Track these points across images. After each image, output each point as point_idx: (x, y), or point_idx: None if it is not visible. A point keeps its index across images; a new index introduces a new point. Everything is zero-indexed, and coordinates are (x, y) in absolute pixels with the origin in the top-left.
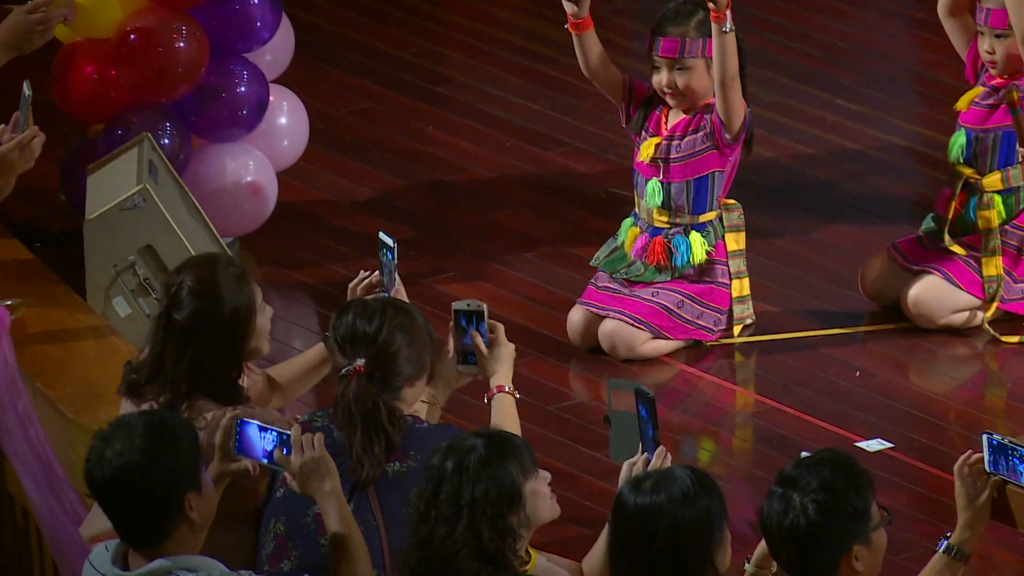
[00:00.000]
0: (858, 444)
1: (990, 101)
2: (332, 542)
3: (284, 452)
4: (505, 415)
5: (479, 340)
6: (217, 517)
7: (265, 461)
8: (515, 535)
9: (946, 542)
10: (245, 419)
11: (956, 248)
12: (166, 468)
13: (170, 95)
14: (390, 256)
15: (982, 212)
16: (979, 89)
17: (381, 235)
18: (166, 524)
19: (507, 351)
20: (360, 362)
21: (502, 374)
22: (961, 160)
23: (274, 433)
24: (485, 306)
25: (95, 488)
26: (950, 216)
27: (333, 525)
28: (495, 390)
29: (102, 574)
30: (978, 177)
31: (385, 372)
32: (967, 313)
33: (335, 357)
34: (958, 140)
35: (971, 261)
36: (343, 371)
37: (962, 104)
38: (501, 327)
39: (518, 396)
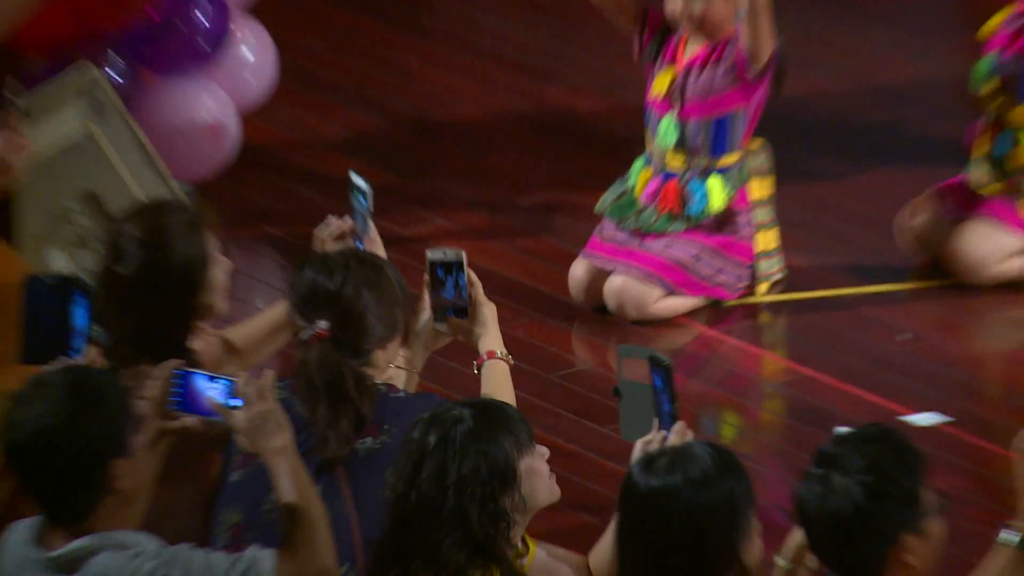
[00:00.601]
0: (905, 418)
1: (1019, 25)
2: (284, 511)
3: (230, 404)
4: (498, 384)
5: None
6: (161, 506)
7: (211, 416)
8: (509, 520)
9: (1010, 532)
10: (187, 369)
11: (992, 188)
12: (89, 431)
13: (118, 22)
14: (363, 201)
15: (1012, 150)
16: (1007, 11)
17: (352, 176)
18: (91, 495)
19: (490, 311)
20: (322, 324)
21: (490, 337)
22: (986, 90)
23: (224, 382)
24: (464, 254)
25: (12, 455)
26: (980, 153)
27: (284, 488)
28: (485, 356)
29: (23, 556)
30: (1004, 111)
31: (352, 334)
32: (1021, 261)
33: (294, 319)
34: (983, 67)
35: (1012, 201)
36: (303, 335)
37: (987, 30)
38: (480, 283)
39: (512, 362)
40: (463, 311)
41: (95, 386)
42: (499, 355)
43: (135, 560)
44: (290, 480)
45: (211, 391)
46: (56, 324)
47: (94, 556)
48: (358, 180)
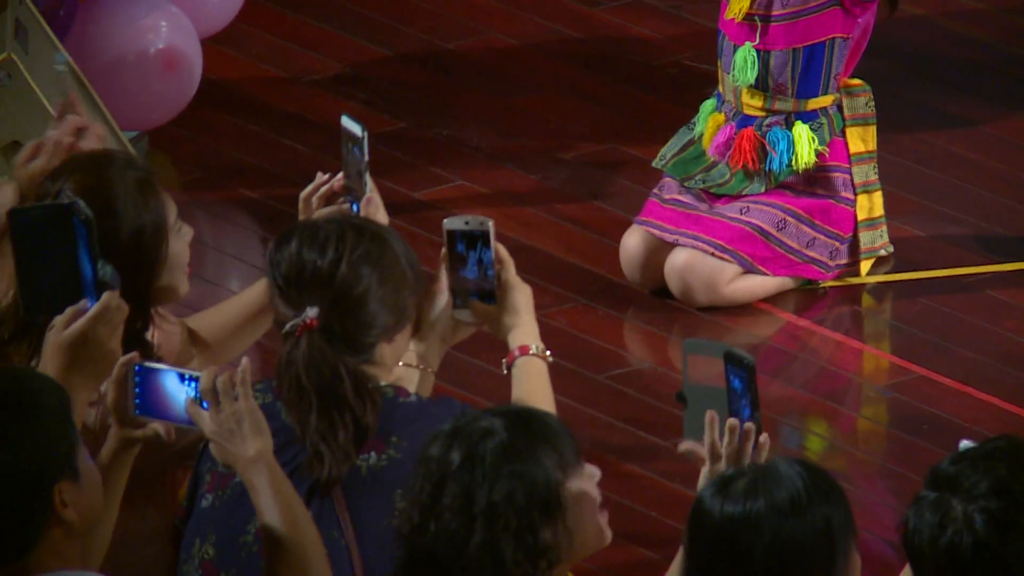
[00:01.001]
0: None
1: None
2: (265, 536)
3: (204, 406)
4: (533, 387)
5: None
6: (119, 534)
7: (183, 422)
8: (551, 557)
9: None
10: (151, 364)
11: None
12: (25, 448)
13: None
14: (358, 153)
15: None
16: None
17: (345, 121)
18: (30, 528)
19: (523, 295)
20: (312, 312)
21: (523, 329)
22: None
23: (195, 381)
24: (492, 224)
25: None
26: None
27: (264, 507)
28: (517, 352)
29: None
30: None
31: (349, 324)
32: None
33: (276, 306)
34: None
35: None
36: (288, 326)
37: None
38: (511, 261)
39: (551, 359)
40: (490, 295)
41: (29, 390)
42: (534, 351)
43: None
44: (271, 497)
45: (183, 391)
46: (57, 264)
47: None
48: (351, 125)
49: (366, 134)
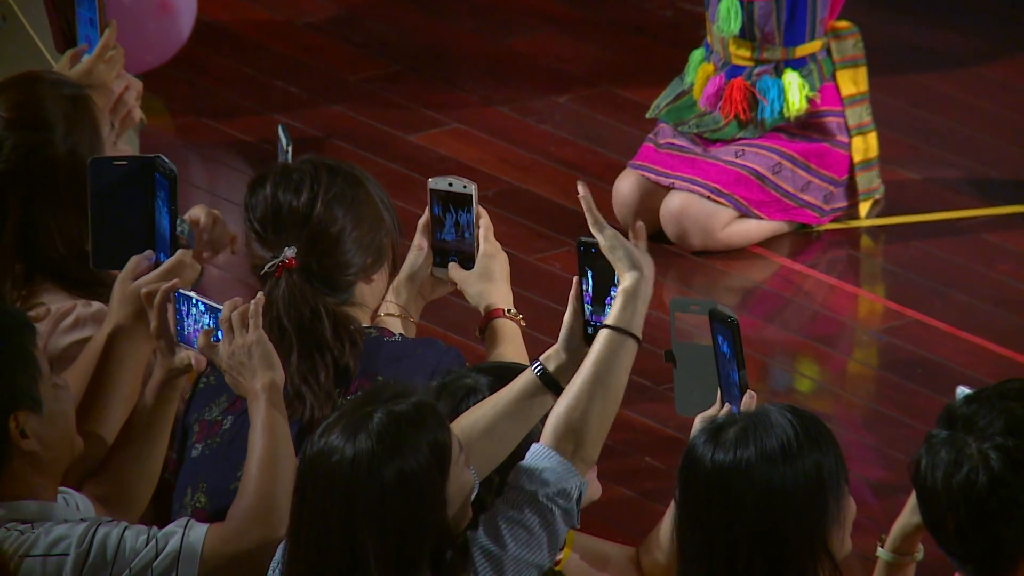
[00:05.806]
0: None
1: None
2: (245, 470)
3: (215, 337)
4: (506, 348)
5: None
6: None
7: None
8: None
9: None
10: (184, 293)
11: None
12: None
13: None
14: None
15: None
16: None
17: (281, 132)
18: None
19: (499, 265)
20: (289, 252)
21: (496, 296)
22: None
23: (216, 310)
24: (475, 188)
25: None
26: None
27: (252, 442)
28: (490, 315)
29: None
30: None
31: (327, 263)
32: None
33: (254, 250)
34: None
35: None
36: (267, 267)
37: None
38: (490, 226)
39: (524, 324)
40: (468, 259)
41: None
42: (506, 314)
43: (29, 536)
44: (260, 432)
45: (206, 321)
46: (132, 218)
47: None
48: (283, 136)
49: (291, 145)
